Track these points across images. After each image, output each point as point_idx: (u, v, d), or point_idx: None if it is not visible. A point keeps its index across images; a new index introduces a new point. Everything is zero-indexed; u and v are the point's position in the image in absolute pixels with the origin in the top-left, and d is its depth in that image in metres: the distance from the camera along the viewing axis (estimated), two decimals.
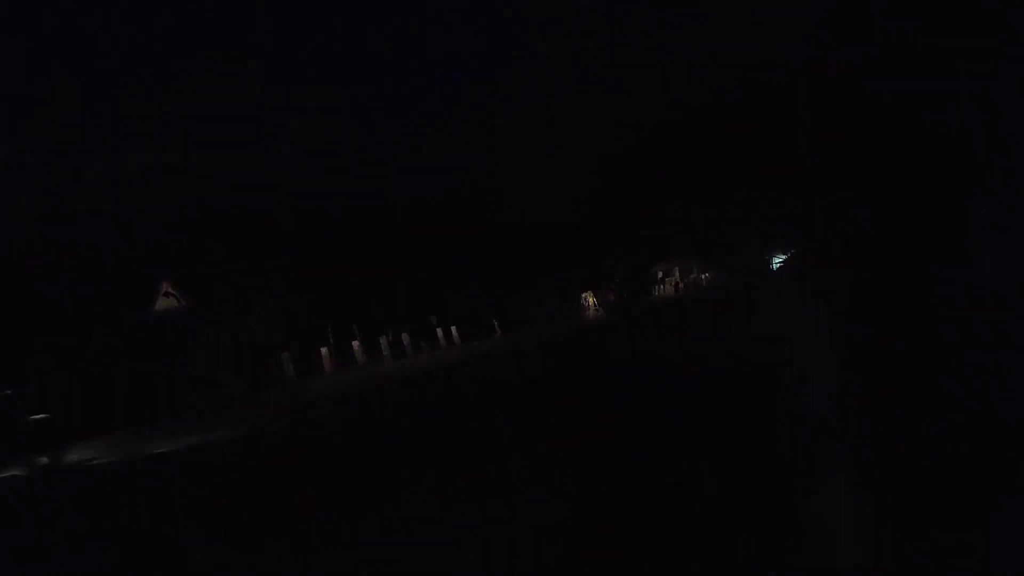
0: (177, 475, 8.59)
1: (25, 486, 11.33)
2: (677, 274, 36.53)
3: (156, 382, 17.91)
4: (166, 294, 18.67)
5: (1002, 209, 3.35)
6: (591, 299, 34.64)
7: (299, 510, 5.22)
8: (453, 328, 30.29)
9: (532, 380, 11.10)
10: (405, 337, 27.91)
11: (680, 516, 3.45)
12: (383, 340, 27.00)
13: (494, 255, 33.03)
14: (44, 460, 13.38)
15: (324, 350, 24.21)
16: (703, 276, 35.77)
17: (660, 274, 36.55)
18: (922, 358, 3.26)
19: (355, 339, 25.85)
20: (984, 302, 3.33)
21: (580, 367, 11.65)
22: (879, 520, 2.35)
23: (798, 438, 2.71)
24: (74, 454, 13.96)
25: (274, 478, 6.79)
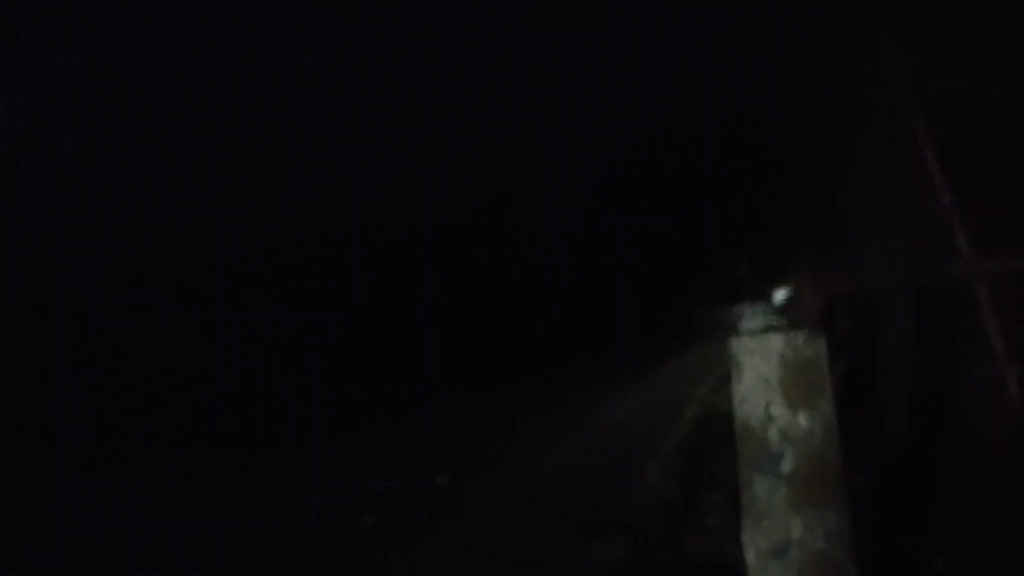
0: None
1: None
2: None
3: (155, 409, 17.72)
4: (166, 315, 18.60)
5: (1002, 239, 3.35)
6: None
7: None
8: None
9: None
10: None
11: (679, 535, 3.41)
12: None
13: (492, 280, 32.96)
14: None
15: None
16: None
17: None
18: (924, 381, 3.25)
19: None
20: (984, 331, 3.33)
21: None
22: (876, 542, 2.34)
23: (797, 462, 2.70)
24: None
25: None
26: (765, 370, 2.35)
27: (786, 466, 2.31)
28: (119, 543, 5.60)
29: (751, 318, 2.45)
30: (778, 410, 2.33)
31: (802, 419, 2.31)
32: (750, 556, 2.33)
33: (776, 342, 2.36)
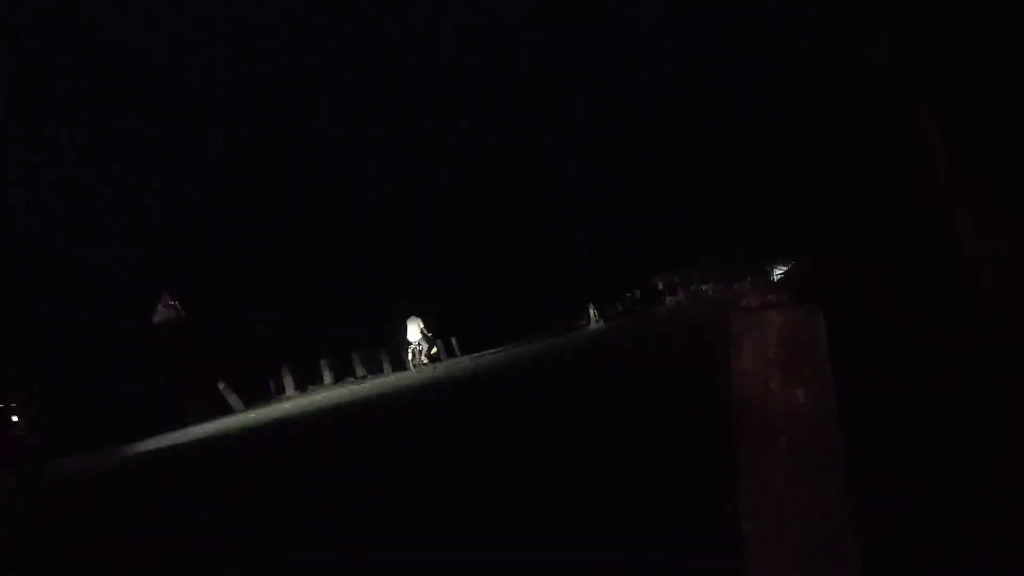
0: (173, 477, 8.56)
1: (15, 491, 11.33)
2: (679, 285, 36.50)
3: (155, 393, 17.86)
4: (166, 305, 18.66)
5: (1003, 214, 3.35)
6: (592, 311, 34.66)
7: (297, 513, 5.20)
8: (453, 340, 30.25)
9: (535, 389, 11.06)
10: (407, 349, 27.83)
11: (676, 512, 3.44)
12: (383, 352, 26.94)
13: (496, 269, 33.20)
14: (31, 467, 13.40)
15: (323, 362, 24.15)
16: (704, 287, 35.72)
17: (661, 285, 36.54)
18: (922, 368, 3.26)
19: (355, 351, 25.79)
20: (986, 307, 3.33)
21: (581, 374, 11.63)
22: (876, 520, 2.35)
23: (796, 439, 2.73)
24: (65, 463, 13.95)
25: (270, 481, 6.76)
26: (764, 346, 2.35)
27: (784, 442, 2.32)
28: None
29: (750, 295, 2.45)
30: (777, 386, 2.33)
31: (801, 395, 2.32)
32: (747, 533, 2.35)
33: (775, 318, 2.36)
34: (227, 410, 19.73)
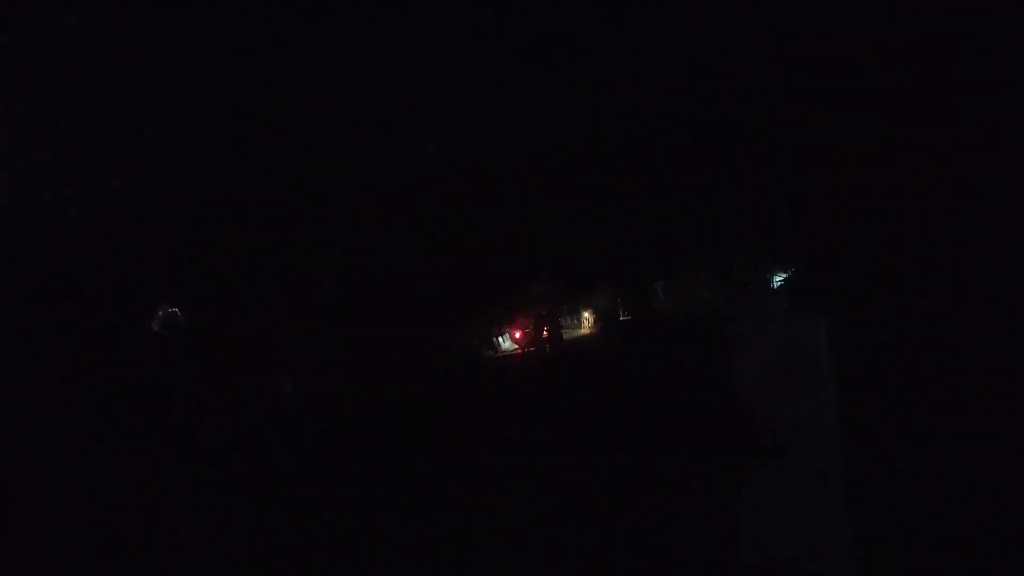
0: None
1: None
2: (674, 291, 36.51)
3: (154, 398, 17.77)
4: (166, 312, 18.65)
5: (1005, 219, 3.35)
6: (590, 315, 34.76)
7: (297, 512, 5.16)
8: None
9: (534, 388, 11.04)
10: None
11: (680, 519, 3.41)
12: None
13: (495, 272, 33.34)
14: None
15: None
16: (702, 294, 35.74)
17: (660, 292, 36.51)
18: (923, 367, 3.25)
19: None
20: (986, 313, 3.32)
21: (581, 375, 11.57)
22: (876, 525, 2.34)
23: (798, 445, 2.73)
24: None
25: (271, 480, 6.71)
26: (765, 352, 2.34)
27: (786, 448, 2.31)
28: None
29: (751, 301, 2.45)
30: (778, 392, 2.33)
31: (802, 401, 2.31)
32: (751, 538, 2.33)
33: (776, 324, 2.36)
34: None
